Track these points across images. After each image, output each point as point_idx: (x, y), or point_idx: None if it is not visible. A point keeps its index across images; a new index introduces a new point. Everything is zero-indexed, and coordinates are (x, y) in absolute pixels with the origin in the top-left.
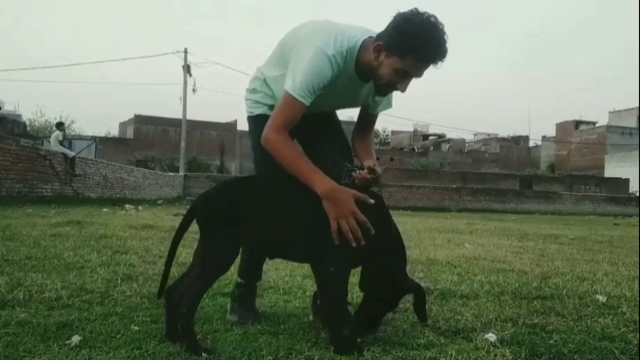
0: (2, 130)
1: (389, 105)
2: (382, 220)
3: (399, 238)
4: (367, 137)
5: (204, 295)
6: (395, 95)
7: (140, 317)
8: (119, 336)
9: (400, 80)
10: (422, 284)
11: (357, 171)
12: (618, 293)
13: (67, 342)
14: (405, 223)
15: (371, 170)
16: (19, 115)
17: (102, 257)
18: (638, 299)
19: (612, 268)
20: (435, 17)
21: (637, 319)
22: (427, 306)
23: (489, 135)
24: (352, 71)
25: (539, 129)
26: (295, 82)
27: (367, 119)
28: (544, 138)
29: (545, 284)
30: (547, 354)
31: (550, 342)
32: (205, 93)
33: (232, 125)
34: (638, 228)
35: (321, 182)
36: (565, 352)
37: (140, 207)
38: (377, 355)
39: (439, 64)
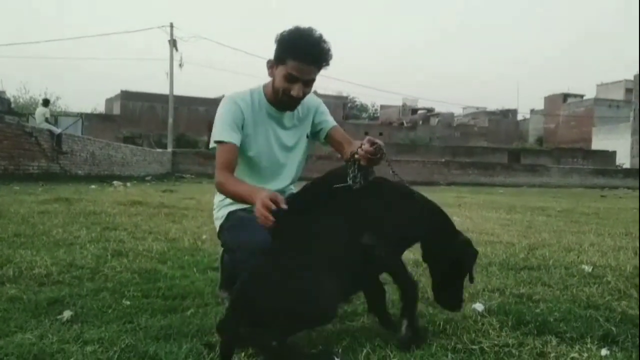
0: None
1: (331, 121)
2: (404, 199)
3: (429, 204)
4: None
5: (195, 269)
6: (385, 69)
7: (131, 292)
8: (110, 311)
9: (290, 85)
10: (411, 256)
11: (358, 150)
12: (603, 263)
13: (58, 317)
14: None
15: (372, 143)
16: (3, 92)
17: (92, 233)
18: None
19: (598, 239)
20: (311, 28)
21: (621, 288)
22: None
23: (477, 108)
24: (265, 104)
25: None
26: (215, 130)
27: (336, 140)
28: (532, 111)
29: (532, 255)
30: (533, 322)
31: (537, 311)
32: (192, 68)
33: (219, 101)
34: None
35: (256, 193)
36: (551, 320)
37: (128, 184)
38: (367, 325)
39: (323, 65)
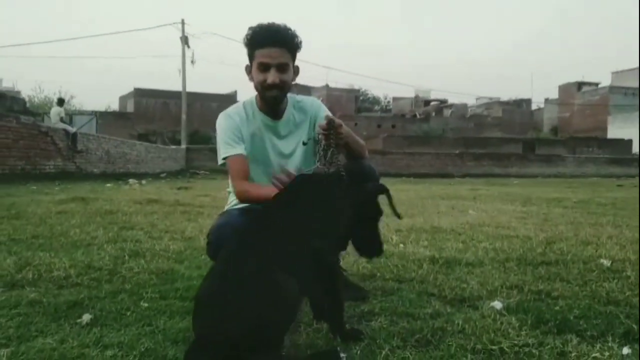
0: (2, 108)
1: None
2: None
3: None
4: None
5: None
6: (397, 60)
7: (149, 294)
8: (129, 313)
9: (265, 75)
10: (427, 253)
11: (316, 128)
12: (622, 256)
13: (78, 321)
14: (408, 190)
15: (328, 119)
16: (18, 92)
17: (109, 233)
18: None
19: (616, 231)
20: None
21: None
22: (431, 274)
23: (491, 99)
24: (259, 114)
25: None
26: (220, 148)
27: None
28: (546, 100)
29: (549, 249)
30: (553, 320)
31: (556, 308)
32: (205, 64)
33: (232, 97)
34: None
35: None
36: (571, 318)
37: (143, 182)
38: (384, 326)
39: (293, 48)
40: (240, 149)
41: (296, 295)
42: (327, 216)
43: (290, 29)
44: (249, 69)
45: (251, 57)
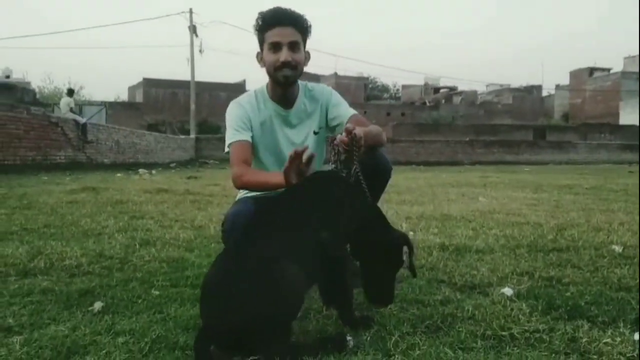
0: (12, 99)
1: (346, 112)
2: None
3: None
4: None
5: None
6: (406, 49)
7: (160, 282)
8: (140, 301)
9: (277, 54)
10: (437, 240)
11: (338, 137)
12: (634, 243)
13: (89, 309)
14: (417, 178)
15: (348, 132)
16: (28, 83)
17: (119, 222)
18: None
19: (628, 217)
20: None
21: None
22: (441, 261)
23: (501, 86)
24: (270, 103)
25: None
26: (227, 135)
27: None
28: (557, 87)
29: (560, 236)
30: (564, 306)
31: (567, 294)
32: (213, 54)
33: (240, 86)
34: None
35: (277, 177)
36: (582, 304)
37: (153, 171)
38: (394, 312)
39: (302, 28)
40: (245, 136)
41: (301, 283)
42: (337, 212)
43: (297, 11)
44: (260, 56)
45: (261, 41)
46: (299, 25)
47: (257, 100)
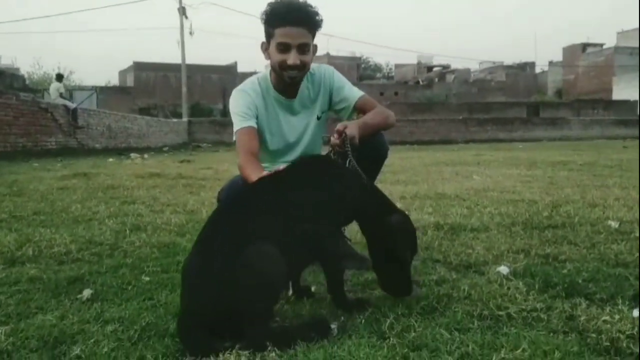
0: (1, 85)
1: (351, 95)
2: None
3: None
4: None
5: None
6: (400, 26)
7: (150, 268)
8: (130, 287)
9: (285, 55)
10: (432, 219)
11: (331, 139)
12: (630, 218)
13: (78, 297)
14: (411, 158)
15: (339, 133)
16: (17, 69)
17: (110, 208)
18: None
19: (623, 192)
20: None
21: None
22: (435, 241)
23: (494, 63)
24: (273, 92)
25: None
26: (234, 123)
27: (366, 112)
28: (550, 63)
29: (556, 213)
30: (561, 284)
31: (564, 271)
32: (204, 36)
33: (232, 68)
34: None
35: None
36: (580, 281)
37: (146, 156)
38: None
39: (314, 27)
40: (251, 122)
41: (280, 267)
42: (326, 199)
43: (311, 6)
44: (265, 46)
45: (269, 34)
46: (310, 25)
47: (260, 88)
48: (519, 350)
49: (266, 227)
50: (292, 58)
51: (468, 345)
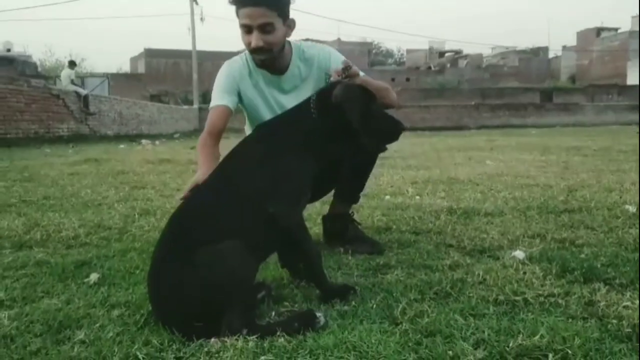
0: (13, 72)
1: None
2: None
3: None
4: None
5: None
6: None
7: None
8: (137, 272)
9: (249, 37)
10: (444, 203)
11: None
12: None
13: (85, 281)
14: (423, 144)
15: (345, 65)
16: (29, 56)
17: (120, 193)
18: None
19: None
20: None
21: None
22: (449, 225)
23: (507, 48)
24: (259, 70)
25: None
26: (212, 98)
27: None
28: (564, 48)
29: (572, 197)
30: (578, 269)
31: (582, 256)
32: (214, 22)
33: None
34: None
35: (200, 170)
36: (598, 266)
37: (157, 142)
38: (401, 279)
39: (275, 6)
40: (226, 101)
41: (245, 260)
42: (287, 171)
43: None
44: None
45: (237, 16)
46: (270, 2)
47: (248, 64)
48: (536, 337)
49: (223, 218)
50: (255, 40)
51: (484, 331)
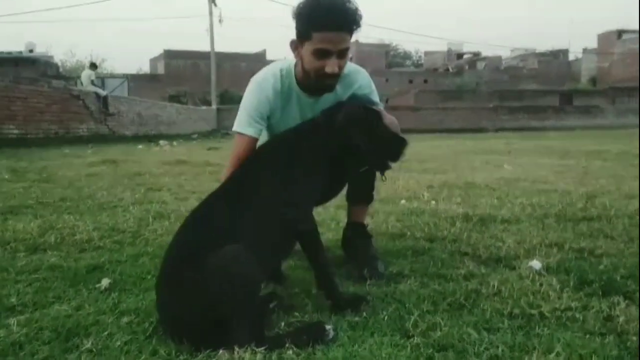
0: (35, 73)
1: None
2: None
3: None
4: None
5: None
6: (428, 12)
7: None
8: (149, 277)
9: (323, 62)
10: (460, 210)
11: None
12: None
13: (96, 286)
14: (440, 146)
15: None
16: (51, 57)
17: (135, 195)
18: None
19: None
20: None
21: None
22: (464, 232)
23: (526, 50)
24: (297, 89)
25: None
26: (238, 117)
27: None
28: (584, 50)
29: (591, 204)
30: (597, 281)
31: (600, 267)
32: (233, 23)
33: (261, 56)
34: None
35: None
36: (617, 278)
37: (174, 143)
38: (414, 288)
39: (355, 28)
40: (254, 132)
41: (252, 268)
42: (298, 179)
43: (353, 4)
44: (295, 45)
45: (305, 36)
46: (352, 28)
47: (282, 83)
48: (552, 354)
49: (237, 226)
50: (332, 66)
51: (497, 347)
